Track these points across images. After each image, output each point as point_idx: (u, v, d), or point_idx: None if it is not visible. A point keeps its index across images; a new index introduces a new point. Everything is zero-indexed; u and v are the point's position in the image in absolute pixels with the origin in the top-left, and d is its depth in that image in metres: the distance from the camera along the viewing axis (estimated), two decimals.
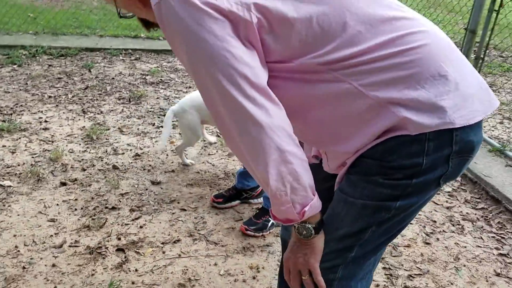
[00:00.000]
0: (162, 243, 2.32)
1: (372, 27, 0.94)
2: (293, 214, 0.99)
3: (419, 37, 0.96)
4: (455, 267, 2.23)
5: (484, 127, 3.81)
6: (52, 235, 2.34)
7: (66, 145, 3.25)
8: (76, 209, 2.56)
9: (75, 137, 3.40)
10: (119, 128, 3.58)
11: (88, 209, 2.56)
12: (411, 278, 2.15)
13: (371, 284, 1.26)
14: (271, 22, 0.92)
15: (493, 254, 2.34)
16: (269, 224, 2.41)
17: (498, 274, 2.20)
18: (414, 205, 1.05)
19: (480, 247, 2.39)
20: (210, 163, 3.13)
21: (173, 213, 2.57)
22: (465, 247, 2.39)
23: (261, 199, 2.69)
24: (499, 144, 3.36)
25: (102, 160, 3.09)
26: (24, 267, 2.11)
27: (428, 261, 2.27)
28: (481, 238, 2.47)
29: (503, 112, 4.27)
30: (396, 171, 0.99)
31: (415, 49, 0.95)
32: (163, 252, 2.26)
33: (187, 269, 2.15)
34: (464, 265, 2.25)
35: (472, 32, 3.60)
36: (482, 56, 3.56)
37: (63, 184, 2.79)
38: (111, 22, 6.31)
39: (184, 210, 2.60)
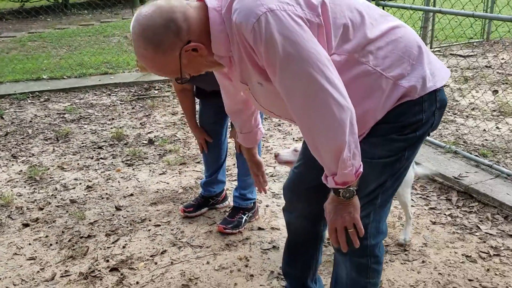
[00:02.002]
0: (151, 256, 2.47)
1: (376, 21, 1.35)
2: (351, 176, 1.28)
3: (401, 28, 1.38)
4: (401, 224, 2.71)
5: None
6: (38, 271, 2.36)
7: (11, 190, 3.19)
8: (51, 244, 2.58)
9: (17, 181, 3.34)
10: (58, 166, 3.58)
11: (64, 242, 2.61)
12: None
13: None
14: (326, 24, 1.25)
15: (425, 209, 2.87)
16: (243, 220, 2.68)
17: (434, 223, 2.72)
18: (414, 154, 1.46)
19: (413, 206, 2.91)
20: (164, 182, 3.31)
21: (149, 230, 2.72)
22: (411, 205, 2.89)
23: (226, 203, 2.95)
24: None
25: (55, 198, 3.10)
26: None
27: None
28: (412, 199, 2.99)
29: None
30: (406, 128, 1.39)
31: (402, 37, 1.36)
32: (155, 263, 2.42)
33: (184, 272, 2.34)
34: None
35: None
36: None
37: (26, 225, 2.78)
38: (6, 67, 6.07)
39: (158, 225, 2.76)
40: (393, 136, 1.39)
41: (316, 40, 1.21)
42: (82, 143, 4.05)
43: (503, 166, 3.24)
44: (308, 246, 1.90)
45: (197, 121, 2.74)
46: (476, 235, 2.57)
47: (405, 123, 1.38)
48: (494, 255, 2.40)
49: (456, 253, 2.43)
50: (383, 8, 3.93)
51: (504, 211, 2.76)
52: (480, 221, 2.71)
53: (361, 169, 1.31)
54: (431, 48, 7.65)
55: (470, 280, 2.22)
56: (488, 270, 2.29)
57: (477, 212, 2.80)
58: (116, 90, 5.69)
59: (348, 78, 1.29)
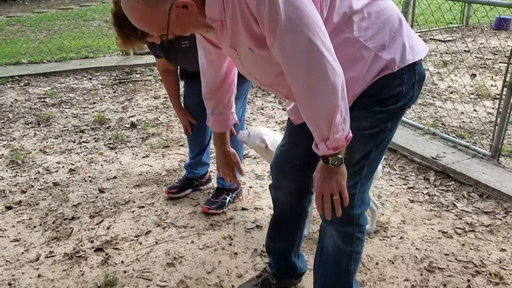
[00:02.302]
0: (135, 237, 2.50)
1: None
2: (342, 141, 1.33)
3: (384, 0, 1.44)
4: (380, 203, 2.78)
5: None
6: (23, 252, 2.37)
7: None
8: (35, 226, 2.59)
9: None
10: (40, 150, 3.56)
11: (47, 224, 2.61)
12: None
13: None
14: None
15: (403, 188, 2.95)
16: (227, 201, 2.71)
17: (412, 201, 2.80)
18: (396, 125, 1.52)
19: (392, 185, 2.99)
20: (148, 165, 3.32)
21: (133, 211, 2.74)
22: (382, 187, 2.96)
23: (209, 185, 2.98)
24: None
25: (38, 181, 3.10)
26: (10, 284, 2.14)
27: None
28: (391, 179, 3.07)
29: None
30: (387, 100, 1.44)
31: (385, 9, 1.41)
32: (140, 243, 2.45)
33: (169, 251, 2.37)
34: (386, 200, 2.81)
35: None
36: None
37: (9, 208, 2.77)
38: None
39: (142, 207, 2.79)
40: (376, 108, 1.45)
41: (314, 6, 1.24)
42: (64, 127, 4.02)
43: (479, 147, 3.33)
44: (293, 221, 1.95)
45: (181, 102, 2.75)
46: (452, 212, 2.66)
47: (387, 95, 1.44)
48: (469, 231, 2.49)
49: (433, 229, 2.51)
50: None
51: (479, 189, 2.85)
52: (457, 199, 2.80)
53: (350, 135, 1.36)
54: None
55: (446, 254, 2.31)
56: (463, 245, 2.38)
57: (453, 190, 2.89)
58: (97, 74, 5.64)
59: (333, 47, 1.31)
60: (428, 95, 4.62)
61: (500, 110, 3.09)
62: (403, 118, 3.81)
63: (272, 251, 2.05)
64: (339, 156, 1.38)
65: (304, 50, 1.23)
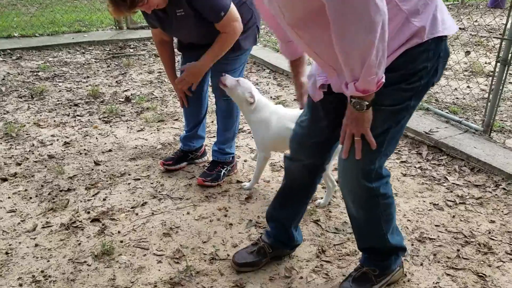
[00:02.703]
0: (132, 208, 2.52)
1: None
2: (373, 85, 1.32)
3: None
4: None
5: None
6: (19, 223, 2.39)
7: None
8: (31, 198, 2.61)
9: None
10: (34, 123, 3.56)
11: (43, 195, 2.63)
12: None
13: None
14: None
15: (396, 162, 2.99)
16: (222, 174, 2.74)
17: (404, 175, 2.84)
18: (418, 103, 1.53)
19: None
20: (143, 138, 3.33)
21: (128, 183, 2.76)
22: None
23: (205, 158, 3.00)
24: None
25: (33, 153, 3.10)
26: (7, 253, 2.17)
27: None
28: None
29: None
30: (413, 76, 1.44)
31: None
32: (136, 214, 2.47)
33: (165, 222, 2.41)
34: None
35: None
36: None
37: (4, 180, 2.78)
38: None
39: (138, 179, 2.81)
40: (402, 86, 1.46)
41: None
42: (58, 101, 4.00)
43: (472, 122, 3.37)
44: (300, 194, 1.99)
45: (178, 74, 2.74)
46: (444, 186, 2.71)
47: (413, 70, 1.44)
48: (459, 203, 2.54)
49: (424, 202, 2.56)
50: None
51: (471, 163, 2.90)
52: (448, 172, 2.84)
53: (383, 80, 1.34)
54: None
55: (436, 225, 2.36)
56: (453, 216, 2.43)
57: (445, 164, 2.93)
58: (90, 48, 5.59)
59: None
60: None
61: (493, 86, 3.12)
62: None
63: (273, 220, 2.09)
64: (364, 102, 1.38)
65: None
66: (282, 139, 2.33)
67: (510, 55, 2.96)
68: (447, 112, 3.57)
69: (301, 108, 1.92)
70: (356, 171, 1.61)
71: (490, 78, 3.16)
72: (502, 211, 2.46)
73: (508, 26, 2.91)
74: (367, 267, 1.88)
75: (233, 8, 2.27)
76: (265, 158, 2.58)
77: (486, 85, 4.11)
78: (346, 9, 1.23)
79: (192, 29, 2.32)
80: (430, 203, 2.55)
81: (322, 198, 2.56)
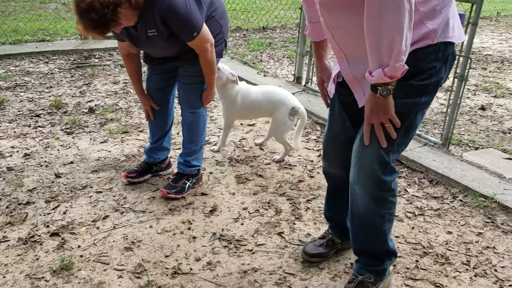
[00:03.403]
0: (93, 221, 2.48)
1: None
2: (399, 71, 1.41)
3: None
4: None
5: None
6: None
7: None
8: None
9: None
10: None
11: (1, 209, 2.55)
12: (309, 201, 2.72)
13: None
14: None
15: None
16: (187, 186, 2.73)
17: None
18: (428, 103, 1.63)
19: None
20: (106, 150, 3.28)
21: (90, 196, 2.71)
22: None
23: (170, 170, 2.98)
24: None
25: None
26: None
27: (317, 188, 2.86)
28: None
29: None
30: (423, 73, 1.54)
31: None
32: (97, 228, 2.43)
33: (127, 236, 2.37)
34: None
35: None
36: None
37: None
38: None
39: (100, 192, 2.76)
40: (412, 82, 1.55)
41: None
42: (19, 111, 3.90)
43: (431, 136, 3.47)
44: (343, 191, 2.03)
45: (144, 87, 2.73)
46: (404, 197, 2.77)
47: (422, 69, 1.54)
48: (418, 214, 2.61)
49: None
50: None
51: (429, 176, 2.98)
52: (408, 184, 2.92)
53: (406, 67, 1.43)
54: None
55: (396, 237, 2.41)
56: (413, 228, 2.49)
57: (405, 177, 3.01)
58: (54, 58, 5.49)
59: None
60: None
61: (451, 101, 3.23)
62: None
63: (330, 219, 2.24)
64: (389, 87, 1.47)
65: None
66: (245, 110, 3.11)
67: (467, 71, 3.08)
68: None
69: (327, 106, 2.00)
70: (374, 162, 1.67)
71: (449, 93, 3.28)
72: (459, 222, 2.54)
73: (465, 43, 3.02)
74: (362, 276, 1.93)
75: (205, 29, 2.30)
76: (230, 126, 3.22)
77: (445, 99, 4.25)
78: None
79: (164, 46, 2.33)
80: None
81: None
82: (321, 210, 2.62)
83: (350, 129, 1.85)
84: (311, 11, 1.85)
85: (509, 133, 3.77)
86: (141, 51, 2.62)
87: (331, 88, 1.85)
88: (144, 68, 2.69)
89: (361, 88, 1.68)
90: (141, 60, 2.66)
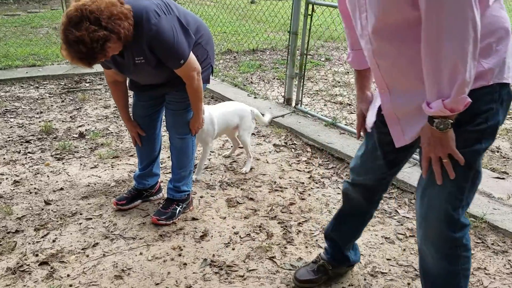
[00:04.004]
0: (82, 249, 2.45)
1: None
2: (461, 104, 1.30)
3: (503, 10, 1.42)
4: (327, 210, 2.87)
5: (314, 109, 4.67)
6: None
7: None
8: None
9: None
10: None
11: None
12: (300, 224, 2.71)
13: None
14: None
15: None
16: (177, 211, 2.71)
17: None
18: (489, 145, 1.47)
19: (340, 194, 3.08)
20: (96, 176, 3.27)
21: (80, 223, 2.69)
22: (330, 195, 3.06)
23: (160, 195, 2.97)
24: (331, 119, 4.21)
25: None
26: None
27: (308, 211, 2.86)
28: (338, 187, 3.17)
29: (323, 97, 5.24)
30: (478, 116, 1.41)
31: (502, 18, 1.40)
32: (87, 256, 2.40)
33: (117, 263, 2.35)
34: (333, 208, 2.90)
35: (294, 34, 4.42)
36: (305, 52, 4.39)
37: None
38: None
39: (90, 219, 2.74)
40: (467, 128, 1.43)
41: None
42: (8, 137, 3.89)
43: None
44: (356, 219, 2.00)
45: (130, 114, 2.73)
46: (395, 219, 2.78)
47: (477, 111, 1.41)
48: (410, 236, 2.61)
49: (376, 235, 2.62)
50: (312, 7, 4.09)
51: None
52: (399, 205, 2.93)
53: (469, 100, 1.31)
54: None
55: (388, 259, 2.41)
56: (404, 249, 2.49)
57: (396, 198, 3.02)
58: (45, 82, 5.49)
59: None
60: None
61: None
62: (350, 128, 3.94)
63: (329, 239, 2.18)
64: (448, 121, 1.35)
65: (449, 6, 1.21)
66: (221, 129, 3.24)
67: None
68: None
69: (358, 138, 1.97)
70: (440, 220, 1.55)
71: None
72: None
73: None
74: None
75: (192, 57, 2.31)
76: (210, 148, 3.31)
77: None
78: (444, 19, 1.23)
79: (152, 73, 2.34)
80: (382, 236, 2.61)
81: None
82: (313, 233, 2.62)
83: (382, 167, 1.80)
84: (353, 37, 1.77)
85: (498, 151, 3.81)
86: (127, 78, 2.63)
87: (371, 120, 1.75)
88: (131, 93, 2.70)
89: (400, 127, 1.58)
90: (127, 87, 2.67)
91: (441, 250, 1.61)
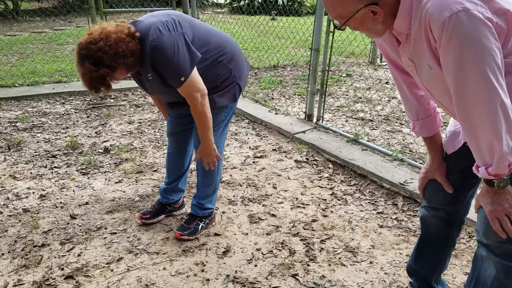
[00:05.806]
0: (107, 264, 2.48)
1: None
2: (505, 169, 1.34)
3: None
4: (350, 228, 2.84)
5: (336, 125, 4.66)
6: None
7: None
8: (3, 254, 2.54)
9: None
10: (10, 175, 3.51)
11: (16, 251, 2.57)
12: (323, 242, 2.70)
13: None
14: (509, 30, 1.29)
15: (373, 213, 3.03)
16: (200, 227, 2.73)
17: (381, 226, 2.87)
18: None
19: (362, 211, 3.06)
20: (121, 190, 3.31)
21: (104, 238, 2.72)
22: (352, 213, 3.03)
23: (183, 210, 2.99)
24: (352, 135, 4.20)
25: (7, 207, 3.05)
26: None
27: (330, 228, 2.85)
28: (361, 204, 3.15)
29: (345, 112, 5.23)
30: None
31: None
32: (112, 270, 2.43)
33: (141, 278, 2.37)
34: (356, 225, 2.88)
35: (316, 50, 4.44)
36: (327, 69, 4.41)
37: None
38: None
39: (115, 233, 2.77)
40: None
41: (498, 43, 1.26)
42: (35, 152, 3.98)
43: None
44: (438, 246, 1.95)
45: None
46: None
47: None
48: None
49: (401, 254, 2.58)
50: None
51: None
52: None
53: None
54: (380, 62, 7.99)
55: None
56: None
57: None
58: (71, 98, 5.62)
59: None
60: (396, 122, 4.77)
61: None
62: (372, 145, 3.92)
63: (413, 273, 2.08)
64: (504, 177, 1.39)
65: (476, 82, 1.27)
66: None
67: None
68: (421, 163, 3.66)
69: (422, 196, 1.94)
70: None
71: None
72: None
73: None
74: None
75: (194, 76, 2.24)
76: None
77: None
78: (475, 110, 1.30)
79: (163, 90, 2.38)
80: (406, 255, 2.57)
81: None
82: (336, 251, 2.60)
83: (460, 181, 1.77)
84: (419, 107, 1.77)
85: None
86: None
87: (449, 145, 1.75)
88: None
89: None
90: None
91: (504, 260, 1.55)
